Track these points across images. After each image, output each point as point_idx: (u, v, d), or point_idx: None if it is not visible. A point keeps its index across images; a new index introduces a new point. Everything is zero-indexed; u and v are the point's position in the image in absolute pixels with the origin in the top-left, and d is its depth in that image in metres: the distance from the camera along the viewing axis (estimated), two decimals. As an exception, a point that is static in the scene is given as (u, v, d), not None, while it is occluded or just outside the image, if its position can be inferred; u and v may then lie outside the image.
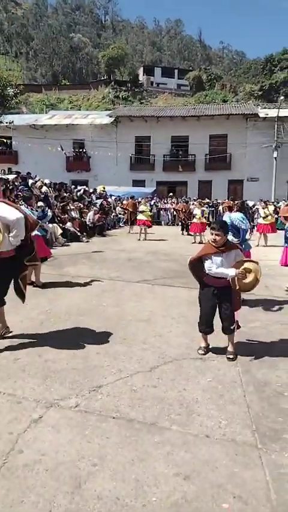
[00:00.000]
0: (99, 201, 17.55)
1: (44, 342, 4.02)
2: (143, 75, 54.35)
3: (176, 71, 57.88)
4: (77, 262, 8.82)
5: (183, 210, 16.39)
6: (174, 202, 23.33)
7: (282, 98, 29.01)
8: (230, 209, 6.33)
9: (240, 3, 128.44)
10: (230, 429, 2.60)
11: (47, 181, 15.42)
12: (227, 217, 5.55)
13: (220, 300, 3.70)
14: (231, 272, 3.55)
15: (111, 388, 3.10)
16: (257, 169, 28.64)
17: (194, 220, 13.86)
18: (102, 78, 54.21)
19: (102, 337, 4.17)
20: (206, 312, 3.77)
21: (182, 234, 15.87)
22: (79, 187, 19.14)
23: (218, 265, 3.61)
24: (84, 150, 31.46)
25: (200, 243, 12.41)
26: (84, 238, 12.93)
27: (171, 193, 26.72)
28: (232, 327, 3.69)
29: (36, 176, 15.78)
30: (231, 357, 3.68)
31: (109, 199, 19.89)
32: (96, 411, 2.76)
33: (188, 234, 15.07)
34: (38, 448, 2.36)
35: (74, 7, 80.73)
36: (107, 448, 2.38)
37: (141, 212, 14.08)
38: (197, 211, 13.96)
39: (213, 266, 3.60)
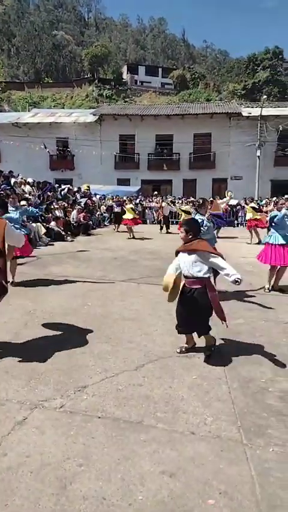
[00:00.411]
0: (83, 200, 17.44)
1: (28, 342, 3.97)
2: (127, 73, 54.21)
3: (159, 69, 57.93)
4: (62, 261, 8.75)
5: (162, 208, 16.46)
6: (158, 201, 23.36)
7: (265, 97, 29.28)
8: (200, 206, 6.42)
9: (222, 3, 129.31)
10: (215, 426, 2.62)
11: (30, 180, 15.25)
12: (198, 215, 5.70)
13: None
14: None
15: (97, 387, 3.08)
16: (241, 167, 28.91)
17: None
18: (86, 76, 53.80)
19: (87, 337, 4.14)
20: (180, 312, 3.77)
21: (160, 232, 15.86)
22: (63, 186, 18.97)
23: (182, 262, 3.64)
24: (68, 149, 31.20)
25: None
26: (68, 238, 12.82)
27: (156, 192, 26.75)
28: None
29: (19, 175, 15.57)
30: (207, 353, 3.70)
31: (94, 198, 19.78)
32: (82, 411, 2.75)
33: (167, 232, 15.26)
34: (22, 450, 2.33)
35: (57, 4, 79.79)
36: (93, 448, 2.36)
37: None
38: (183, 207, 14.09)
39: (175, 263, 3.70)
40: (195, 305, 3.55)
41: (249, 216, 13.40)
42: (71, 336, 4.13)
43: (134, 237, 13.58)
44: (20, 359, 3.56)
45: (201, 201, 5.79)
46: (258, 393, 3.06)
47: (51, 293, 6.01)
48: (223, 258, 3.61)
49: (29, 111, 37.76)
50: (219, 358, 3.68)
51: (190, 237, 3.63)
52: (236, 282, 3.41)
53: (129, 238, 13.45)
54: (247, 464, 2.26)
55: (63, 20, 75.11)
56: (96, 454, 2.31)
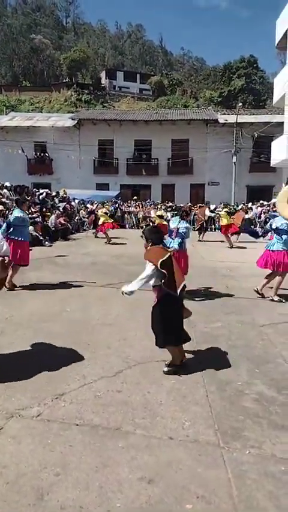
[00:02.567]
0: (62, 205, 17.30)
1: (5, 350, 3.90)
2: (106, 78, 54.24)
3: (138, 75, 58.24)
4: (40, 267, 8.63)
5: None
6: (138, 206, 23.46)
7: (240, 104, 29.93)
8: (187, 214, 6.57)
9: (199, 12, 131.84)
10: (193, 430, 2.64)
11: (7, 184, 15.02)
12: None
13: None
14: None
15: (75, 395, 3.06)
16: (218, 173, 29.39)
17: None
18: (64, 81, 53.49)
19: (66, 344, 4.10)
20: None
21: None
22: (41, 191, 18.76)
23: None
24: (47, 153, 30.92)
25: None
26: (47, 243, 12.67)
27: (135, 197, 26.83)
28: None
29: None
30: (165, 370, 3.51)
31: (72, 203, 19.65)
32: (59, 419, 2.72)
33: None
34: (-3, 461, 2.28)
35: (35, 8, 79.16)
36: (70, 456, 2.34)
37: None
38: (152, 214, 14.11)
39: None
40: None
41: (224, 221, 13.60)
42: (49, 343, 4.08)
43: (109, 242, 13.51)
44: (-4, 367, 3.49)
45: (188, 210, 5.92)
46: (235, 396, 3.11)
47: (29, 299, 5.93)
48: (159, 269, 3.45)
49: (6, 114, 37.20)
50: (197, 362, 3.72)
51: (150, 244, 3.63)
52: (122, 292, 3.51)
53: (106, 243, 13.38)
54: (224, 468, 2.29)
55: (41, 24, 74.54)
56: (74, 462, 2.29)
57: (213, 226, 19.62)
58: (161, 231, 3.96)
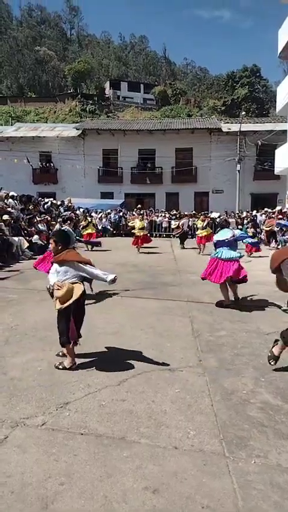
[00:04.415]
0: (67, 213, 17.40)
1: (10, 359, 3.91)
2: (110, 89, 54.90)
3: (141, 85, 58.88)
4: (45, 275, 8.64)
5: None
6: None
7: (243, 113, 30.08)
8: (227, 223, 7.04)
9: (202, 23, 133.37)
10: (198, 439, 2.63)
11: (13, 193, 15.16)
12: None
13: None
14: (51, 280, 3.78)
15: (79, 404, 3.06)
16: (222, 181, 29.49)
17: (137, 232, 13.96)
18: (69, 91, 54.23)
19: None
20: None
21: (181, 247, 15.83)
22: (46, 200, 18.92)
23: (54, 272, 3.78)
24: (52, 163, 31.23)
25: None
26: (52, 252, 12.72)
27: (139, 205, 26.95)
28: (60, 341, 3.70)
29: (2, 189, 15.47)
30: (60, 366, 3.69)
31: (77, 212, 19.77)
32: (64, 428, 2.72)
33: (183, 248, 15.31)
34: (3, 470, 2.28)
35: (40, 20, 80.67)
36: (75, 465, 2.34)
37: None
38: (137, 223, 14.16)
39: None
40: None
41: (204, 233, 13.58)
42: (53, 352, 4.09)
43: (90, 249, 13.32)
44: (1, 376, 3.51)
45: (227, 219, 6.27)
46: (240, 405, 3.10)
47: (34, 308, 5.95)
48: (91, 264, 3.72)
49: (12, 125, 37.72)
50: (202, 371, 3.71)
51: (60, 247, 3.75)
52: (113, 281, 3.62)
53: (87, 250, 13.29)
54: (229, 477, 2.27)
55: (46, 35, 75.83)
56: (79, 471, 2.29)
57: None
58: (69, 236, 4.00)
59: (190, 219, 17.33)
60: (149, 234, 15.00)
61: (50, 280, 3.84)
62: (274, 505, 2.07)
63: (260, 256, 12.55)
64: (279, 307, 6.07)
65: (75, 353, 3.76)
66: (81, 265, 3.68)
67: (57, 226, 14.24)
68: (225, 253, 6.15)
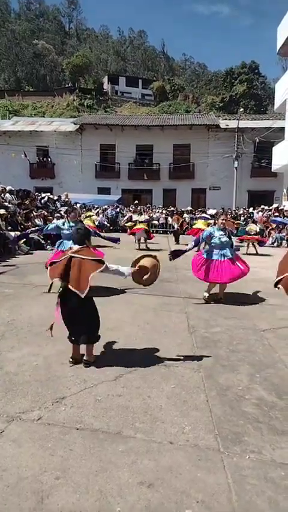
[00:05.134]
0: (63, 209, 17.36)
1: (6, 353, 3.91)
2: (108, 83, 54.62)
3: (140, 80, 58.64)
4: (41, 270, 8.60)
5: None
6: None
7: (241, 109, 30.08)
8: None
9: (201, 20, 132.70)
10: (193, 434, 2.64)
11: (10, 188, 15.09)
12: None
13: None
14: (125, 271, 3.77)
15: (75, 398, 3.06)
16: (219, 178, 29.51)
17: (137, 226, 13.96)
18: (67, 86, 53.91)
19: (66, 347, 4.10)
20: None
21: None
22: (43, 195, 18.86)
23: None
24: (49, 157, 31.08)
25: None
26: (48, 246, 12.70)
27: (136, 201, 26.91)
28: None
29: (-2, 183, 15.40)
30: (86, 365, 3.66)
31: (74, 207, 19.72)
32: (60, 423, 2.72)
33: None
34: (-2, 464, 2.29)
35: (38, 13, 79.96)
36: (71, 460, 2.34)
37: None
38: (135, 218, 14.25)
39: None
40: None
41: (198, 225, 13.59)
42: (49, 347, 4.09)
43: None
44: (-3, 371, 3.50)
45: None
46: (235, 401, 3.12)
47: (30, 303, 5.94)
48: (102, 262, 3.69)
49: (9, 119, 37.46)
50: (197, 367, 3.72)
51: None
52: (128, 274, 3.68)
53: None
54: (224, 473, 2.29)
55: (44, 29, 75.20)
56: (74, 466, 2.29)
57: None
58: (89, 231, 4.01)
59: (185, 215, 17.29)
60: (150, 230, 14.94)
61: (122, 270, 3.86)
62: (268, 500, 2.09)
63: (256, 254, 12.59)
64: None
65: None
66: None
67: (55, 220, 14.35)
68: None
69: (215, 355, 4.03)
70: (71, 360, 3.73)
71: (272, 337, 4.67)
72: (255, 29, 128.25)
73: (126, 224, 14.17)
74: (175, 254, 6.41)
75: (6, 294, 6.31)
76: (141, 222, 13.83)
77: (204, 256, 6.39)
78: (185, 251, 6.44)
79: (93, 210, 20.24)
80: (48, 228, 7.10)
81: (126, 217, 15.96)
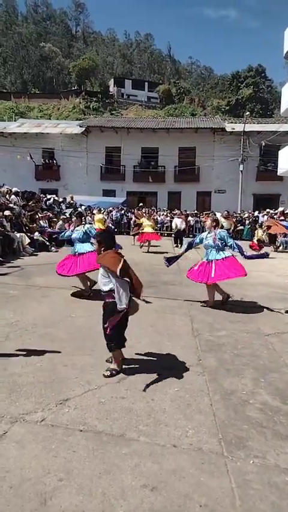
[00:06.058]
0: (68, 211, 17.42)
1: (10, 354, 3.92)
2: (114, 86, 54.87)
3: (146, 83, 58.85)
4: (46, 272, 8.67)
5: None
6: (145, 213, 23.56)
7: (247, 113, 30.00)
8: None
9: (208, 21, 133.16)
10: (196, 438, 2.63)
11: (15, 189, 15.16)
12: None
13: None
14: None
15: (79, 400, 3.07)
16: (224, 181, 29.45)
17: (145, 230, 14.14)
18: (73, 88, 54.19)
19: (70, 349, 4.12)
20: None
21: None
22: (48, 196, 18.93)
23: (100, 273, 3.62)
24: (54, 160, 31.22)
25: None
26: (53, 248, 12.75)
27: (141, 203, 26.93)
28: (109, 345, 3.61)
29: (4, 184, 15.48)
30: (106, 373, 3.52)
31: (79, 209, 19.77)
32: (63, 425, 2.72)
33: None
34: (1, 465, 2.29)
35: (45, 17, 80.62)
36: (74, 461, 2.34)
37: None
38: (145, 222, 14.32)
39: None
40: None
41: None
42: (53, 348, 4.10)
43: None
44: (1, 371, 3.51)
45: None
46: (239, 405, 3.10)
47: (34, 304, 5.96)
48: (120, 277, 3.36)
49: (15, 121, 37.71)
50: (202, 370, 3.71)
51: (102, 249, 3.62)
52: (118, 311, 3.38)
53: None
54: (227, 477, 2.28)
55: (51, 32, 75.79)
56: (77, 468, 2.29)
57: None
58: (114, 236, 3.89)
59: (190, 218, 17.25)
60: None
61: (99, 282, 3.69)
62: (271, 505, 2.07)
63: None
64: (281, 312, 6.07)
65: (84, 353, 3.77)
66: (111, 273, 3.43)
67: (60, 222, 14.41)
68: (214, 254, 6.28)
69: (219, 359, 4.02)
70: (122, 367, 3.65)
71: (276, 341, 4.65)
72: (262, 33, 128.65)
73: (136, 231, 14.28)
74: (169, 260, 6.51)
75: (11, 295, 6.33)
76: (149, 225, 13.98)
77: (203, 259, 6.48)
78: (179, 256, 6.58)
79: (101, 213, 20.29)
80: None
81: (134, 227, 16.00)
